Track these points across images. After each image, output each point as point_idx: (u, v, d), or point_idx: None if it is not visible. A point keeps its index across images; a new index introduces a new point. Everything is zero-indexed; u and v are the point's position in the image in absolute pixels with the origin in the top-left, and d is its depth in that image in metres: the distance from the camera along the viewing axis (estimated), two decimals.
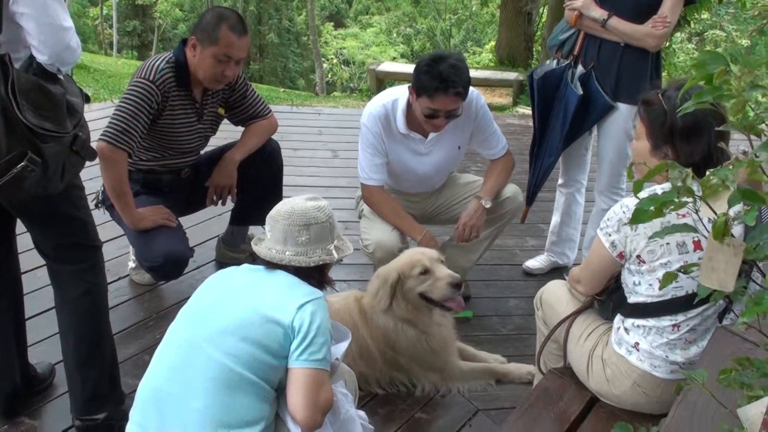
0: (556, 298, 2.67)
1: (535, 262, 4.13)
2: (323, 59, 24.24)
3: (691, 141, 2.17)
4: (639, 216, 1.46)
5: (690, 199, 1.40)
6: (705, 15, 18.71)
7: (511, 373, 3.15)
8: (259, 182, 3.51)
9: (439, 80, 3.13)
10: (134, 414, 2.09)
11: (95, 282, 2.58)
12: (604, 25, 3.41)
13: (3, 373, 2.67)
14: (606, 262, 2.33)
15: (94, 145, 2.49)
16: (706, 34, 21.15)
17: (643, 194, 2.20)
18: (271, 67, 30.32)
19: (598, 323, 2.51)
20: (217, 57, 3.11)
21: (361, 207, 3.64)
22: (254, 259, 2.26)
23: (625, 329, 2.34)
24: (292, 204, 2.22)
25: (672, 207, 1.41)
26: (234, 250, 3.82)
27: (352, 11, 38.61)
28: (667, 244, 2.14)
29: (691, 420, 1.70)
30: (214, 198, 3.50)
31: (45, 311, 3.25)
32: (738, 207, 1.38)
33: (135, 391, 2.65)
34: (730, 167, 1.38)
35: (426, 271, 2.90)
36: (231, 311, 2.06)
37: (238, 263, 2.29)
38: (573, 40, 3.58)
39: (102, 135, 3.03)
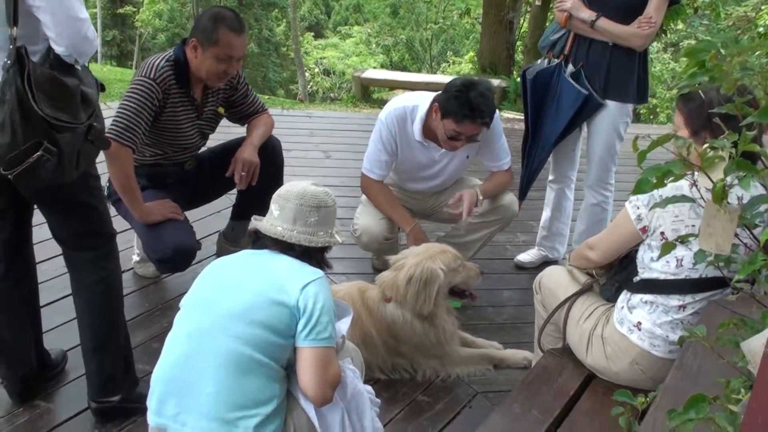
0: (556, 282, 2.80)
1: (526, 256, 4.26)
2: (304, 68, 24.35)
3: (727, 126, 2.30)
4: (641, 186, 1.58)
5: (689, 172, 1.54)
6: (680, 26, 19.09)
7: (507, 358, 3.27)
8: (261, 177, 3.59)
9: (469, 108, 3.26)
10: (150, 402, 2.14)
11: (111, 268, 2.66)
12: (592, 26, 3.55)
13: (20, 357, 2.75)
14: (627, 234, 2.46)
15: None
16: (681, 44, 21.52)
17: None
18: (251, 77, 30.31)
19: (598, 304, 2.64)
20: (219, 57, 3.20)
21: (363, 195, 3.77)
22: (257, 238, 2.34)
23: (629, 308, 2.46)
24: (303, 186, 2.31)
25: (672, 178, 1.53)
26: (235, 244, 3.90)
27: (332, 22, 38.74)
28: (693, 225, 2.27)
29: (688, 379, 1.82)
30: (243, 174, 3.48)
31: (54, 301, 3.33)
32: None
33: (146, 375, 2.78)
34: (725, 140, 1.52)
35: (461, 264, 3.06)
36: (236, 296, 2.12)
37: None
38: (564, 41, 3.72)
39: (107, 132, 3.10)
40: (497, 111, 3.62)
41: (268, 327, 2.08)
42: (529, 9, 11.54)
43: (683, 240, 1.76)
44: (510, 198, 3.76)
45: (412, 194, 3.86)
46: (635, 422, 1.87)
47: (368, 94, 10.64)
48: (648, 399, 1.91)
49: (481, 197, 3.59)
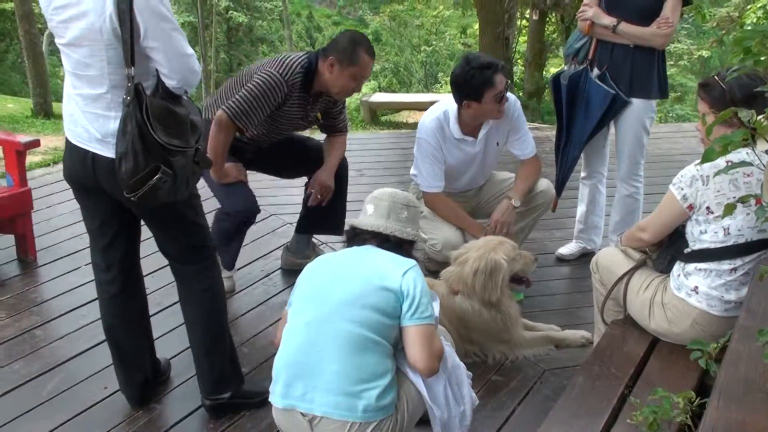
0: (612, 260, 3.11)
1: (566, 249, 4.57)
2: None
3: (751, 106, 2.62)
4: (708, 155, 1.90)
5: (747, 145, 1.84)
6: None
7: (567, 338, 3.57)
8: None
9: (487, 68, 3.69)
10: (276, 387, 2.42)
11: (216, 277, 2.96)
12: (614, 31, 3.88)
13: (137, 366, 3.04)
14: (676, 213, 2.78)
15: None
16: (667, 48, 21.97)
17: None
18: None
19: (654, 276, 2.95)
20: (355, 76, 3.62)
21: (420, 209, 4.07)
22: (354, 235, 2.64)
23: (685, 275, 2.77)
24: (390, 189, 2.69)
25: (734, 145, 1.85)
26: (299, 256, 4.21)
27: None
28: (734, 197, 2.58)
29: (757, 318, 2.12)
30: (319, 197, 3.92)
31: (153, 314, 3.59)
32: None
33: (246, 375, 3.08)
34: None
35: (518, 253, 3.38)
36: (347, 286, 2.42)
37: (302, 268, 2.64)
38: (587, 47, 4.06)
39: (226, 107, 3.52)
40: (518, 101, 4.06)
41: (378, 310, 2.37)
42: (526, 23, 11.95)
43: (743, 200, 2.07)
44: (545, 183, 4.13)
45: (458, 197, 4.19)
46: (712, 363, 2.19)
47: (377, 117, 10.97)
48: (719, 344, 2.22)
49: (517, 204, 4.00)
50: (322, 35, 44.13)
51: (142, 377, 3.06)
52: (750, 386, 1.79)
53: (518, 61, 13.23)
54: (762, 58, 1.92)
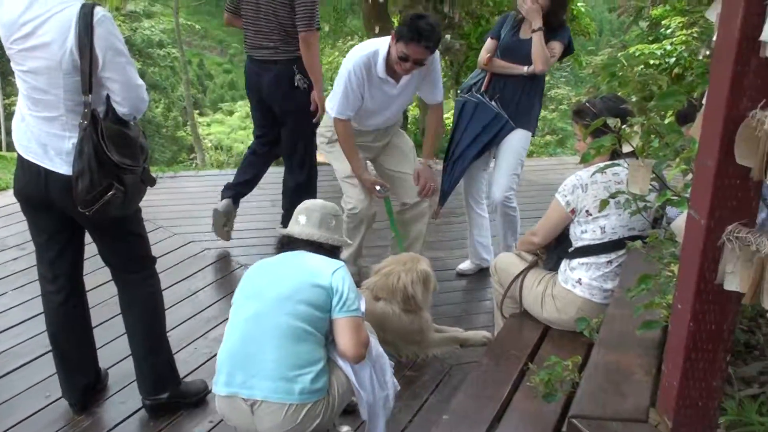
0: (508, 263, 3.56)
1: (464, 265, 5.01)
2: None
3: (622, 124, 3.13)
4: (585, 157, 2.36)
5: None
6: (546, 77, 20.89)
7: (471, 338, 3.99)
8: None
9: (416, 32, 3.94)
10: (219, 377, 2.71)
11: (156, 286, 3.24)
12: (535, 31, 4.28)
13: (82, 371, 3.26)
14: (560, 218, 3.26)
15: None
16: (548, 93, 23.37)
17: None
18: None
19: (545, 273, 3.41)
20: None
21: (323, 139, 4.55)
22: (289, 242, 2.95)
23: (570, 269, 3.24)
24: (320, 201, 3.04)
25: (605, 149, 2.31)
26: None
27: (208, 100, 39.45)
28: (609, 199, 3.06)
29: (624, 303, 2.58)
30: None
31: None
32: None
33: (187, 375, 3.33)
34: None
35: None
36: (283, 284, 2.75)
37: None
38: (480, 82, 4.54)
39: (306, 27, 4.42)
40: (438, 53, 4.31)
41: (311, 304, 2.71)
42: None
43: (614, 196, 2.53)
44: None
45: (367, 134, 4.50)
46: (594, 333, 2.62)
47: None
48: (600, 318, 2.66)
49: (431, 164, 4.50)
50: (213, 82, 44.23)
51: (86, 381, 3.26)
52: (624, 337, 2.22)
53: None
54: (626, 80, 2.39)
